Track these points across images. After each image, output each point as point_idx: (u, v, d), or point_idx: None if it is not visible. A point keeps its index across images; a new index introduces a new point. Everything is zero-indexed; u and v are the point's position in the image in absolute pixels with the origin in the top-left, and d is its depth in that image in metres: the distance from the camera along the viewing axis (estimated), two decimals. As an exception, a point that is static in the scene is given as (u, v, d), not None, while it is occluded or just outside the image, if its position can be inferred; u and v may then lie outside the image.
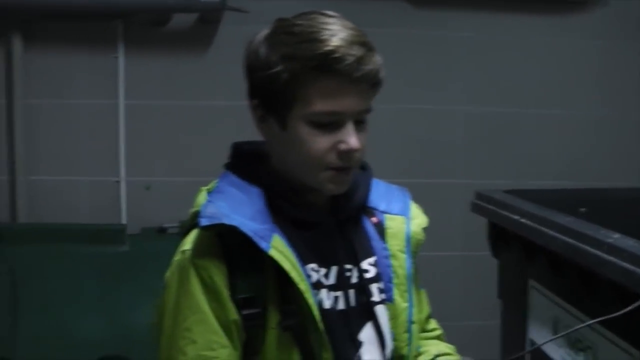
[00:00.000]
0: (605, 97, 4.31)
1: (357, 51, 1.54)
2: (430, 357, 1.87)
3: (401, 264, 1.78)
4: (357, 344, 1.71)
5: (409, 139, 4.11)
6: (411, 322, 1.79)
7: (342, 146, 1.59)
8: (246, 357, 1.61)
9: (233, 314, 1.57)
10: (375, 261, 1.76)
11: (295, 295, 1.58)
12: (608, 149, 4.30)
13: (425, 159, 4.14)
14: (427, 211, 3.82)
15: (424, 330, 1.95)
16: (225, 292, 1.57)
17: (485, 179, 3.95)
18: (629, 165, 4.29)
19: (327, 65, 1.54)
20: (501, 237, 2.49)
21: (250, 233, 1.54)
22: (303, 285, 1.57)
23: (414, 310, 1.80)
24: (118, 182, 3.87)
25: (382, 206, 1.81)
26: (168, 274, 1.64)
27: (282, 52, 1.56)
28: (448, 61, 4.14)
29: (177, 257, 1.62)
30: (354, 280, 1.72)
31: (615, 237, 1.87)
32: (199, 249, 1.59)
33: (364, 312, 1.73)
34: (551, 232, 2.09)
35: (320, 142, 1.59)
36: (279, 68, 1.56)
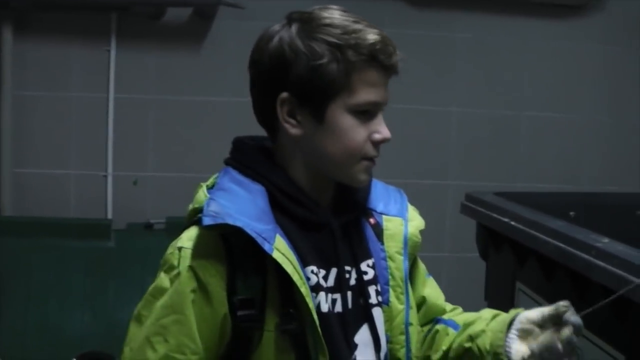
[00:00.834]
0: (601, 102, 4.31)
1: (392, 43, 1.59)
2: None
3: (398, 266, 1.75)
4: (353, 346, 1.68)
5: (403, 139, 4.08)
6: (408, 324, 1.77)
7: (377, 136, 1.60)
8: (238, 357, 1.58)
9: (221, 315, 1.54)
10: (373, 263, 1.74)
11: (295, 298, 1.55)
12: (603, 154, 4.30)
13: (419, 159, 4.13)
14: (418, 212, 3.81)
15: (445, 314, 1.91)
16: (220, 296, 1.53)
17: (478, 181, 3.92)
18: (623, 170, 4.28)
19: (374, 55, 1.56)
20: (490, 240, 2.48)
21: (254, 235, 1.51)
22: (304, 289, 1.54)
23: (411, 312, 1.77)
24: (105, 176, 3.84)
25: (380, 207, 1.79)
26: (163, 266, 1.59)
27: (329, 43, 1.55)
28: (445, 62, 4.13)
29: (171, 252, 1.58)
30: (352, 282, 1.69)
31: (604, 242, 1.86)
32: (198, 248, 1.55)
33: (361, 314, 1.70)
34: (542, 236, 2.07)
35: (360, 133, 1.59)
36: (326, 59, 1.54)
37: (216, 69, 3.73)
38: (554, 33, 4.19)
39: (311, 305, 1.55)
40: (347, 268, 1.68)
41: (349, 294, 1.67)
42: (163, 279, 1.57)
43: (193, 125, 3.78)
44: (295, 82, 1.56)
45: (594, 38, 4.22)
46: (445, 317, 1.88)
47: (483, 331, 1.73)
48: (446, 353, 1.80)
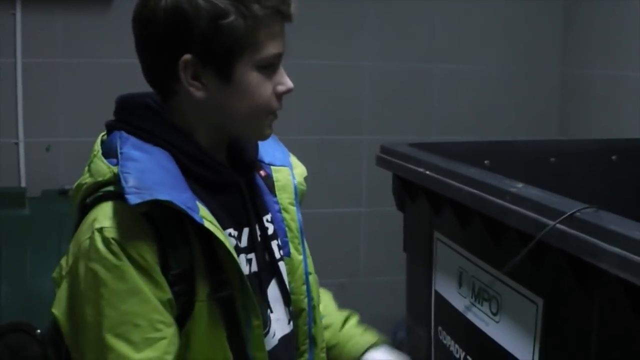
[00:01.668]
0: (513, 52, 4.36)
1: None
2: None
3: (292, 216, 1.78)
4: (268, 304, 1.69)
5: (315, 95, 4.08)
6: (307, 273, 1.78)
7: (282, 88, 1.60)
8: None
9: (168, 292, 1.51)
10: (272, 217, 1.74)
11: (221, 265, 1.54)
12: (516, 104, 4.36)
13: (333, 115, 4.14)
14: (334, 167, 3.83)
15: None
16: (158, 270, 1.49)
17: (393, 135, 3.95)
18: (537, 119, 4.35)
19: (278, 6, 1.55)
20: (406, 191, 2.49)
21: (183, 207, 1.47)
22: (234, 254, 1.53)
23: (308, 261, 1.80)
24: (17, 143, 3.76)
25: (267, 158, 1.79)
26: (79, 254, 1.51)
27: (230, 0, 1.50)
28: (354, 16, 4.13)
29: (90, 235, 1.49)
30: (258, 239, 1.70)
31: (518, 187, 1.87)
32: (123, 227, 1.48)
33: (269, 270, 1.71)
34: (456, 184, 2.08)
35: (267, 87, 1.58)
36: (232, 16, 1.50)
37: (126, 30, 3.64)
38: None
39: (240, 269, 1.54)
40: (255, 226, 1.68)
41: (259, 251, 1.67)
42: (97, 272, 1.47)
43: (104, 88, 3.73)
44: (199, 42, 1.51)
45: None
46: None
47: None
48: None
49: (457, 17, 4.25)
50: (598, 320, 1.62)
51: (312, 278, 1.82)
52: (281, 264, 1.76)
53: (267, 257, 1.71)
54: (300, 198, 1.85)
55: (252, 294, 1.57)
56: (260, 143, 1.78)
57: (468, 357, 2.21)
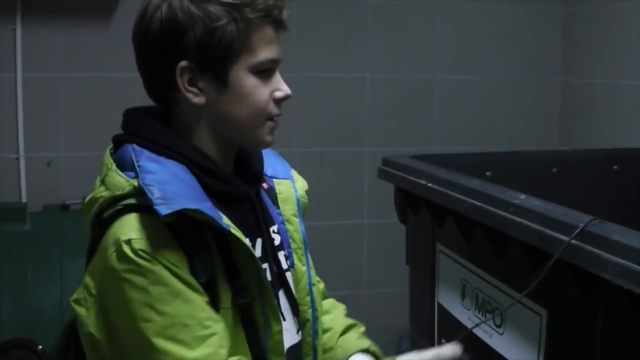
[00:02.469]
0: (513, 61, 4.35)
1: None
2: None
3: (296, 228, 1.80)
4: (281, 313, 1.71)
5: (316, 107, 4.08)
6: (311, 284, 1.80)
7: (279, 94, 1.61)
8: None
9: (205, 295, 1.51)
10: (278, 228, 1.76)
11: (241, 272, 1.56)
12: (518, 114, 4.35)
13: (335, 127, 4.13)
14: (336, 179, 3.82)
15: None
16: (191, 276, 1.50)
17: (395, 147, 3.94)
18: (538, 129, 4.35)
19: (269, 11, 1.55)
20: (408, 203, 2.48)
21: (214, 215, 1.48)
22: (256, 257, 1.55)
23: (312, 272, 1.83)
24: (17, 159, 3.75)
25: (269, 171, 1.82)
26: (107, 270, 1.49)
27: (223, 4, 1.52)
28: (356, 27, 4.13)
29: (117, 248, 1.48)
30: (269, 250, 1.71)
31: (521, 198, 1.87)
32: (151, 238, 1.47)
33: (277, 280, 1.72)
34: (458, 196, 2.08)
35: (264, 92, 1.59)
36: (224, 20, 1.52)
37: (127, 44, 3.64)
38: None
39: (262, 274, 1.57)
40: (266, 236, 1.70)
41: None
42: (133, 282, 1.47)
43: (105, 102, 3.72)
44: (194, 48, 1.54)
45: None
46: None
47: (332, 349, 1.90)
48: None
49: (458, 27, 4.24)
50: (602, 330, 1.62)
51: (316, 289, 1.83)
52: (288, 275, 1.77)
53: (274, 267, 1.73)
54: (303, 211, 1.86)
55: (273, 298, 1.60)
56: (263, 156, 1.80)
57: (472, 369, 2.20)
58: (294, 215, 1.80)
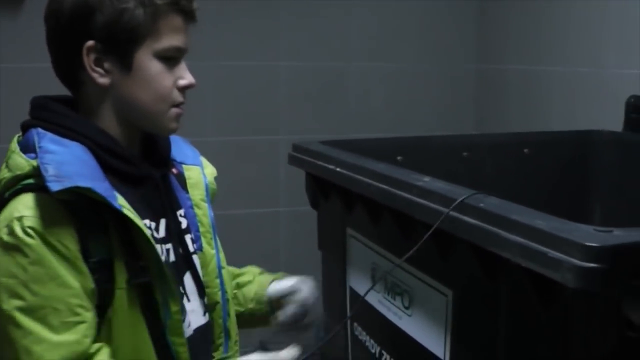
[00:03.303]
0: (427, 51, 4.38)
1: None
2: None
3: (204, 212, 1.84)
4: (185, 294, 1.75)
5: (231, 96, 4.07)
6: (220, 267, 1.84)
7: (183, 82, 1.66)
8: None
9: (90, 281, 1.53)
10: (185, 212, 1.78)
11: (138, 253, 1.57)
12: (432, 102, 4.39)
13: (249, 116, 4.12)
14: (252, 168, 3.82)
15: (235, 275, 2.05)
16: (80, 258, 1.52)
17: (310, 134, 3.93)
18: (452, 117, 4.38)
19: (177, 0, 1.60)
20: (319, 188, 2.49)
21: (104, 194, 1.50)
22: (151, 240, 1.57)
23: (221, 256, 1.86)
24: None
25: (178, 157, 1.86)
26: (1, 244, 1.52)
27: None
28: (269, 17, 4.11)
29: (8, 224, 1.51)
30: (173, 231, 1.74)
31: (425, 180, 1.89)
32: (44, 215, 1.50)
33: (183, 262, 1.75)
34: (365, 179, 2.09)
35: (168, 79, 1.64)
36: (132, 3, 1.56)
37: (39, 34, 3.59)
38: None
39: (160, 255, 1.59)
40: (171, 218, 1.72)
41: (174, 243, 1.72)
42: (15, 258, 1.49)
43: (16, 93, 3.65)
44: (101, 29, 1.57)
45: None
46: None
47: (250, 282, 1.99)
48: None
49: (372, 16, 4.25)
50: (505, 309, 1.64)
51: (225, 272, 1.87)
52: (195, 258, 1.80)
53: (180, 250, 1.75)
54: (212, 197, 1.90)
55: (170, 280, 1.61)
56: (172, 143, 1.83)
57: (383, 351, 2.22)
58: (203, 200, 1.84)
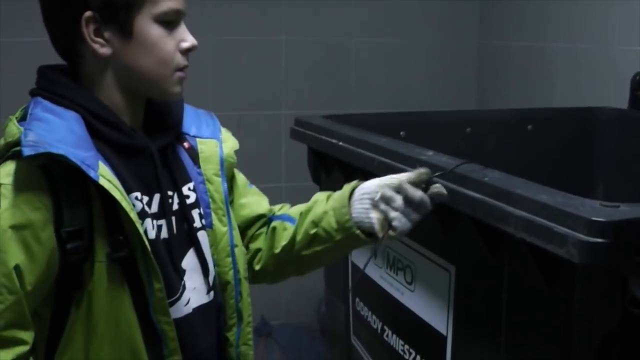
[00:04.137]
0: (429, 25, 4.35)
1: None
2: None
3: (217, 188, 1.79)
4: (181, 272, 1.71)
5: (232, 70, 4.05)
6: (233, 245, 1.79)
7: (185, 44, 1.64)
8: (70, 291, 1.56)
9: (50, 252, 1.51)
10: (194, 186, 1.75)
11: (123, 226, 1.55)
12: (434, 77, 4.37)
13: (250, 90, 4.10)
14: (253, 143, 3.80)
15: (275, 213, 1.95)
16: (47, 228, 1.50)
17: (312, 109, 3.92)
18: (455, 92, 4.37)
19: None
20: (321, 163, 2.48)
21: (77, 162, 1.48)
22: (133, 215, 1.54)
23: (234, 233, 1.80)
24: None
25: (193, 130, 1.83)
26: None
27: None
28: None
29: None
30: (175, 207, 1.71)
31: (429, 154, 1.88)
32: (19, 182, 1.50)
33: (186, 239, 1.73)
34: (368, 153, 2.08)
35: (169, 42, 1.62)
36: None
37: (37, 9, 3.57)
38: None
39: (141, 231, 1.55)
40: (169, 193, 1.69)
41: (173, 219, 1.69)
42: None
43: (13, 69, 3.64)
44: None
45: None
46: (278, 213, 1.90)
47: (325, 212, 1.76)
48: (289, 246, 1.82)
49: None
50: (508, 285, 1.63)
51: (239, 250, 1.81)
52: (202, 234, 1.76)
53: (185, 225, 1.72)
54: (229, 171, 1.86)
55: (151, 257, 1.58)
56: (189, 117, 1.81)
57: (385, 327, 2.21)
58: (216, 174, 1.80)
